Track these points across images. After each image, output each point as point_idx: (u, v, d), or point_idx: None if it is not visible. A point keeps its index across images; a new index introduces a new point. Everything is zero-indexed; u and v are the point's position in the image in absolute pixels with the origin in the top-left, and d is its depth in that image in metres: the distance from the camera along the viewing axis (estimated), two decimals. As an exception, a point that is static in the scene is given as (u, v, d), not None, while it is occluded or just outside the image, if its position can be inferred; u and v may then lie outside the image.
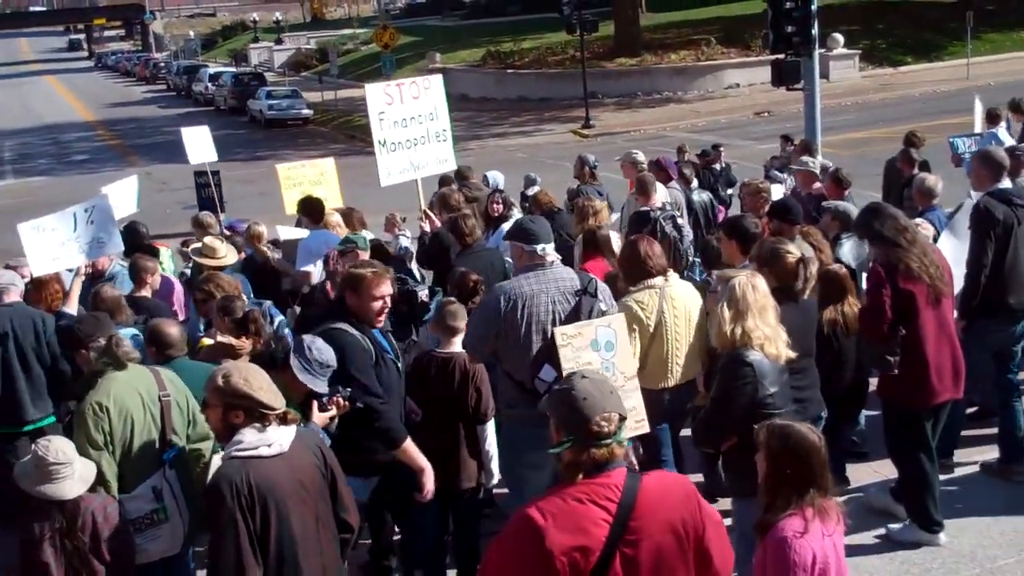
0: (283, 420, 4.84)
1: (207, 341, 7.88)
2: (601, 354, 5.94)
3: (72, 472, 5.33)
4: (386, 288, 6.26)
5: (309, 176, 14.32)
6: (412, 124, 12.04)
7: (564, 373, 5.77)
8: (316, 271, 10.14)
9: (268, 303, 8.75)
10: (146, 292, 9.00)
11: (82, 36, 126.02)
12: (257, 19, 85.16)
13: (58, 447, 5.37)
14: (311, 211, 11.08)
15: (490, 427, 7.04)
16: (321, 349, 5.88)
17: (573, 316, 6.35)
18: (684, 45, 44.16)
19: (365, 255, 9.28)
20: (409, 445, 6.22)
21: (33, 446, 5.52)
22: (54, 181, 33.71)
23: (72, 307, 8.59)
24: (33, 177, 36.18)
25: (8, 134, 49.93)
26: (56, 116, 56.65)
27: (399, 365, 6.50)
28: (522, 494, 6.43)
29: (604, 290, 6.72)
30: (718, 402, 5.87)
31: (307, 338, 5.96)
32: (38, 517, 5.33)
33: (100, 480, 5.63)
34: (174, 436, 6.03)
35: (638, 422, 5.89)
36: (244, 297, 8.18)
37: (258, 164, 32.72)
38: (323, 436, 5.73)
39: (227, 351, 7.23)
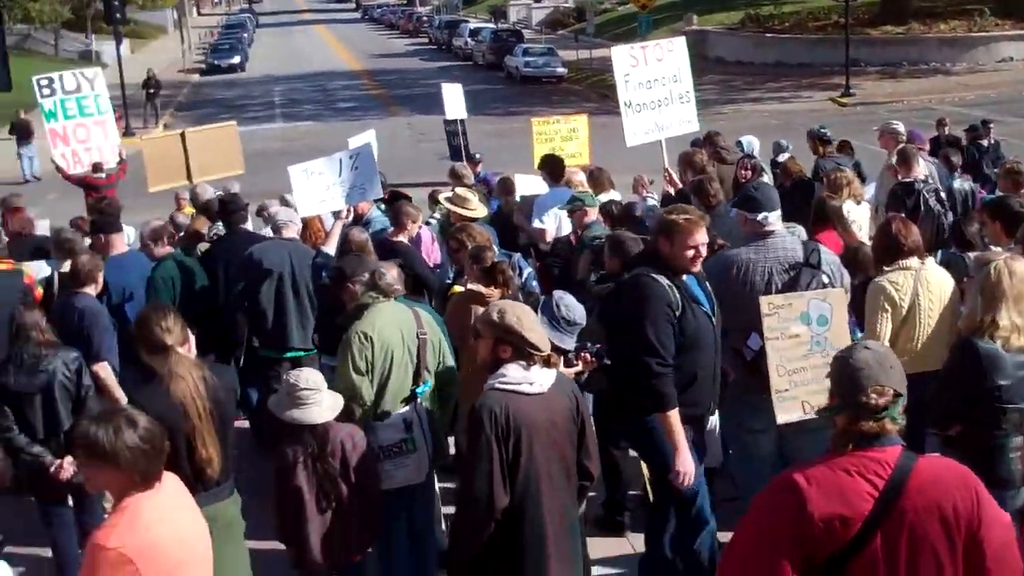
0: (546, 363, 5.11)
1: (458, 288, 8.19)
2: (812, 328, 5.91)
3: (320, 399, 5.74)
4: (701, 236, 6.05)
5: (561, 132, 14.48)
6: (656, 86, 12.32)
7: (766, 343, 5.93)
8: (551, 227, 10.32)
9: (518, 255, 8.98)
10: (403, 237, 9.39)
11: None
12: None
13: (308, 375, 5.82)
14: (551, 168, 11.25)
15: None
16: (570, 307, 6.04)
17: (790, 287, 6.27)
18: (955, 15, 41.90)
19: (593, 213, 9.42)
20: (672, 416, 6.02)
21: (285, 375, 5.92)
22: (320, 127, 35.28)
23: (331, 247, 9.04)
24: (301, 122, 37.97)
25: (280, 80, 52.53)
26: (324, 64, 59.11)
27: (712, 317, 6.18)
28: (749, 460, 6.51)
29: (831, 262, 6.60)
30: (943, 385, 5.78)
31: (557, 295, 6.12)
32: (291, 442, 5.74)
33: (358, 403, 6.03)
34: (426, 372, 6.37)
35: None
36: (494, 248, 8.45)
37: (512, 119, 33.26)
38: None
39: (477, 299, 7.48)
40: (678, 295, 5.97)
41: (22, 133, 29.34)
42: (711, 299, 6.22)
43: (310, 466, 5.68)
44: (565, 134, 14.27)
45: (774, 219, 6.55)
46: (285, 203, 10.97)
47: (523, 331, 5.03)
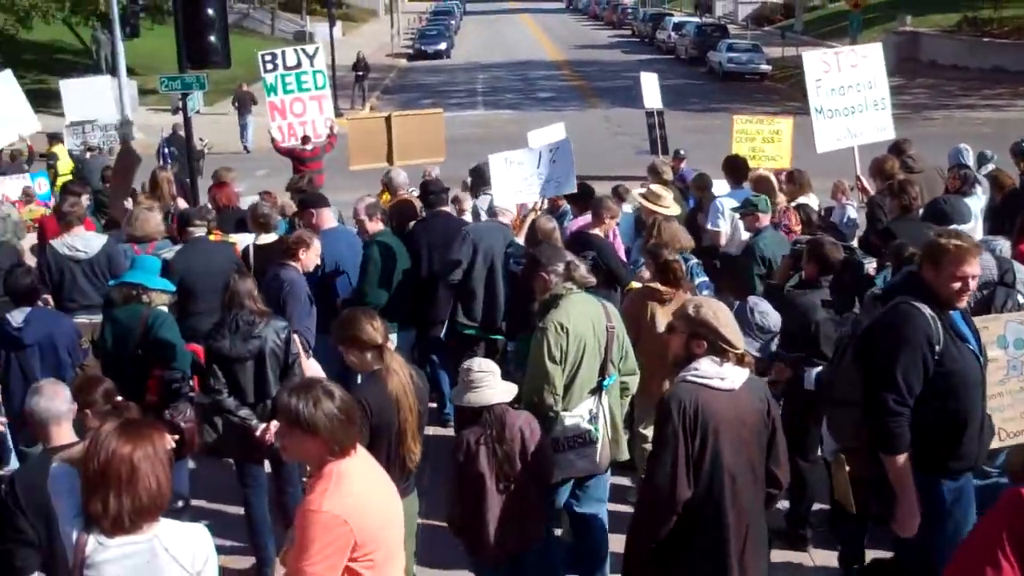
0: (739, 361, 5.10)
1: (635, 284, 8.22)
2: (1009, 351, 5.64)
3: (494, 382, 5.84)
4: (971, 267, 5.31)
5: (763, 132, 14.27)
6: (849, 92, 12.27)
7: None
8: (725, 230, 10.30)
9: (694, 261, 8.91)
10: (599, 231, 9.42)
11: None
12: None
13: (481, 360, 6.02)
14: (734, 169, 11.12)
15: None
16: (765, 313, 5.95)
17: (983, 307, 6.01)
18: None
19: (765, 219, 9.30)
20: (899, 460, 5.32)
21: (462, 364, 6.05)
22: (519, 116, 35.64)
23: (520, 237, 9.16)
24: (501, 110, 38.45)
25: (483, 67, 53.33)
26: (526, 54, 59.72)
27: (980, 357, 5.53)
28: None
29: None
30: None
31: (752, 300, 6.04)
32: (470, 427, 5.83)
33: (551, 391, 6.12)
34: (611, 365, 6.42)
35: None
36: (680, 244, 8.44)
37: (711, 116, 32.91)
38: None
39: (652, 294, 7.65)
40: (940, 328, 5.30)
41: (244, 105, 31.29)
42: (978, 337, 5.60)
43: (490, 449, 5.77)
44: (767, 135, 14.08)
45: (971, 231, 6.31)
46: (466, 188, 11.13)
47: (719, 326, 5.04)
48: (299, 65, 16.37)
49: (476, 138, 28.08)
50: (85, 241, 9.71)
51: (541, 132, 13.66)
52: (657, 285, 7.73)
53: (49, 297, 8.38)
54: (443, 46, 60.29)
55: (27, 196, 13.31)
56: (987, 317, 5.77)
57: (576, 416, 6.31)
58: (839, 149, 12.40)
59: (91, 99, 16.06)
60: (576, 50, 61.06)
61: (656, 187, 10.22)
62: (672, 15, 66.65)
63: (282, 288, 8.07)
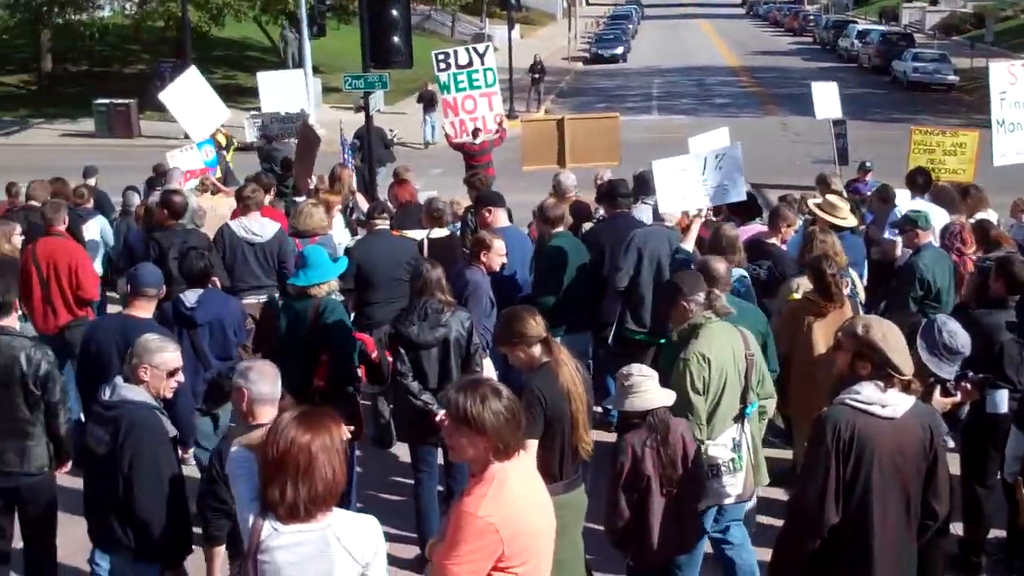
0: (906, 387, 4.90)
1: (795, 296, 8.21)
2: None
3: (654, 387, 5.87)
4: None
5: (944, 144, 13.78)
6: None
7: None
8: (899, 242, 10.04)
9: (854, 272, 8.75)
10: (776, 240, 9.29)
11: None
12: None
13: (639, 366, 6.01)
14: (912, 181, 10.85)
15: None
16: (954, 332, 5.75)
17: None
18: None
19: (925, 236, 9.09)
20: None
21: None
22: (694, 121, 35.34)
23: (689, 243, 9.09)
24: (676, 115, 38.18)
25: (659, 72, 53.08)
26: (703, 59, 59.11)
27: None
28: None
29: None
30: None
31: (940, 319, 5.84)
32: (634, 433, 5.82)
33: (696, 421, 6.13)
34: (752, 393, 6.44)
35: None
36: (839, 257, 8.32)
37: (893, 126, 31.96)
38: (939, 421, 5.66)
39: (811, 308, 7.70)
40: None
41: (428, 102, 32.32)
42: None
43: (655, 452, 5.76)
44: (948, 148, 13.57)
45: None
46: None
47: (887, 349, 4.87)
48: (471, 63, 16.98)
49: (648, 142, 27.95)
50: (260, 226, 10.23)
51: (703, 137, 13.52)
52: (817, 298, 7.68)
53: (218, 280, 8.78)
54: (620, 50, 60.23)
55: (203, 184, 13.97)
56: None
57: (720, 445, 6.30)
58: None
59: (286, 92, 16.78)
60: (755, 56, 60.19)
61: (833, 198, 10.00)
62: (856, 22, 65.02)
63: (465, 287, 8.32)
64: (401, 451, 8.77)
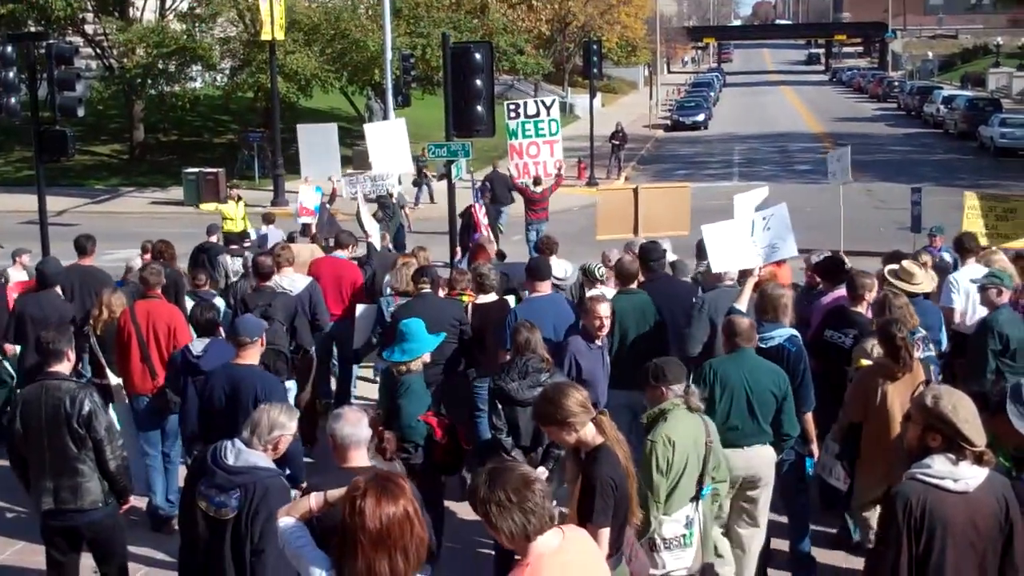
0: (979, 459, 4.76)
1: (865, 362, 8.26)
2: None
3: (691, 551, 6.55)
4: None
5: (996, 209, 13.58)
6: None
7: None
8: (960, 306, 10.32)
9: (920, 334, 8.67)
10: (860, 308, 9.19)
11: (821, 51, 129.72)
12: (1001, 43, 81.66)
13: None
14: (960, 245, 11.23)
15: None
16: None
17: None
18: None
19: (1007, 296, 9.18)
20: None
21: None
22: (775, 188, 35.04)
23: (742, 304, 9.11)
24: (757, 181, 38.01)
25: (741, 139, 53.00)
26: (786, 125, 58.97)
27: None
28: None
29: None
30: None
31: None
32: None
33: (655, 498, 6.44)
34: (708, 477, 6.69)
35: None
36: (913, 320, 8.45)
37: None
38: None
39: (883, 372, 7.75)
40: None
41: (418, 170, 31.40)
42: None
43: None
44: (1000, 212, 13.34)
45: None
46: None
47: (957, 421, 4.75)
48: (538, 114, 18.70)
49: (729, 208, 27.86)
50: (291, 281, 11.21)
51: (746, 196, 13.64)
52: (888, 362, 7.70)
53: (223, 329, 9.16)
54: (701, 117, 60.35)
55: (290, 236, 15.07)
56: None
57: (675, 521, 6.54)
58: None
59: (391, 143, 17.01)
60: (838, 123, 59.85)
61: (908, 264, 9.97)
62: (941, 88, 64.40)
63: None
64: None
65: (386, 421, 7.51)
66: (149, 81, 38.06)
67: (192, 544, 5.90)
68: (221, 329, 9.09)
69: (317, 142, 16.88)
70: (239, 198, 23.29)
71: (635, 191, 15.09)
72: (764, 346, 8.01)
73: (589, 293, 9.93)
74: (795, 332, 8.32)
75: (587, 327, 8.68)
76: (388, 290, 11.45)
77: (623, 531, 5.75)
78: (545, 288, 9.91)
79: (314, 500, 4.77)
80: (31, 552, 8.80)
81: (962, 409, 4.80)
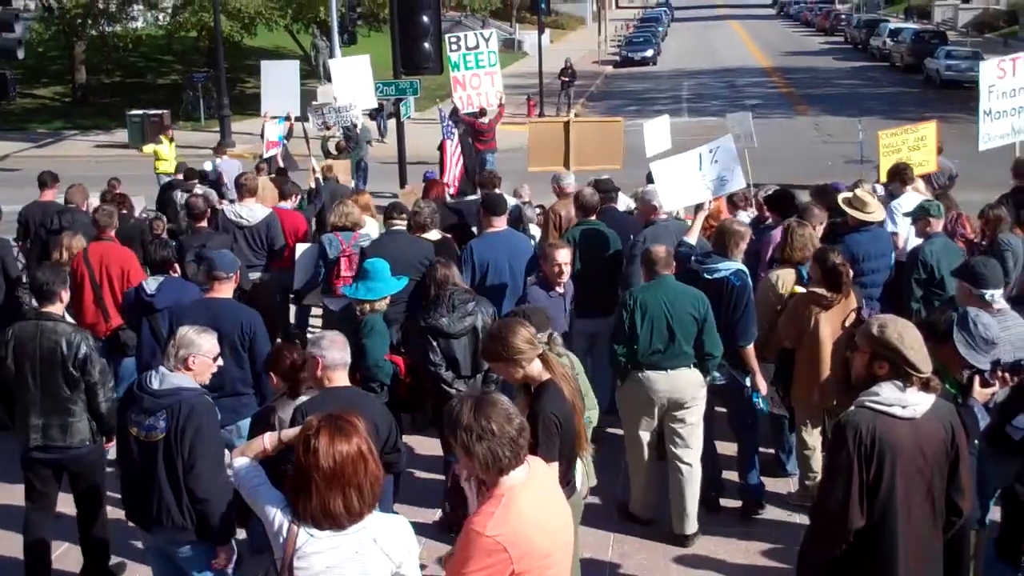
0: (925, 385, 4.84)
1: (799, 289, 8.40)
2: None
3: None
4: None
5: (908, 141, 13.71)
6: (1020, 93, 13.17)
7: None
8: (903, 234, 10.56)
9: None
10: None
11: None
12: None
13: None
14: (898, 175, 11.52)
15: None
16: (988, 324, 5.76)
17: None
18: None
19: (937, 225, 9.43)
20: None
21: None
22: (723, 123, 35.22)
23: (692, 237, 9.40)
24: (706, 117, 38.07)
25: (689, 74, 52.94)
26: (734, 60, 58.92)
27: None
28: None
29: None
30: None
31: (972, 312, 5.86)
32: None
33: None
34: (583, 408, 6.70)
35: None
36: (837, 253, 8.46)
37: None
38: (980, 411, 5.69)
39: (816, 299, 7.88)
40: None
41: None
42: None
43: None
44: (912, 144, 13.53)
45: (999, 296, 6.77)
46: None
47: (903, 348, 4.81)
48: (477, 46, 19.10)
49: (679, 145, 27.87)
50: (250, 211, 11.38)
51: (650, 125, 14.20)
52: (822, 291, 7.86)
53: (179, 266, 9.26)
54: (650, 53, 60.08)
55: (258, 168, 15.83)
56: None
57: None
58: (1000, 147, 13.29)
59: (355, 79, 17.92)
60: (786, 56, 59.93)
61: (861, 193, 10.01)
62: (888, 21, 64.60)
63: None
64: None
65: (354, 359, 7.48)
66: (89, 21, 37.30)
67: (130, 471, 6.08)
68: (177, 267, 9.13)
69: (278, 78, 17.68)
70: (172, 138, 23.98)
71: (566, 124, 15.00)
72: (708, 277, 8.13)
73: (548, 240, 9.91)
74: (742, 267, 8.36)
75: (547, 274, 8.68)
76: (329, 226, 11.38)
77: (572, 465, 5.81)
78: (500, 224, 9.91)
79: (268, 439, 4.79)
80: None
81: (907, 336, 4.85)
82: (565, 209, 11.35)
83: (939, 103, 38.81)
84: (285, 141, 18.16)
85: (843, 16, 76.81)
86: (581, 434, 5.82)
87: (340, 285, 9.95)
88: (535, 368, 5.67)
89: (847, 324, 7.76)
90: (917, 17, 72.40)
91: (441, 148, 18.85)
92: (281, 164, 15.97)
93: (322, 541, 4.08)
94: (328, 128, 18.49)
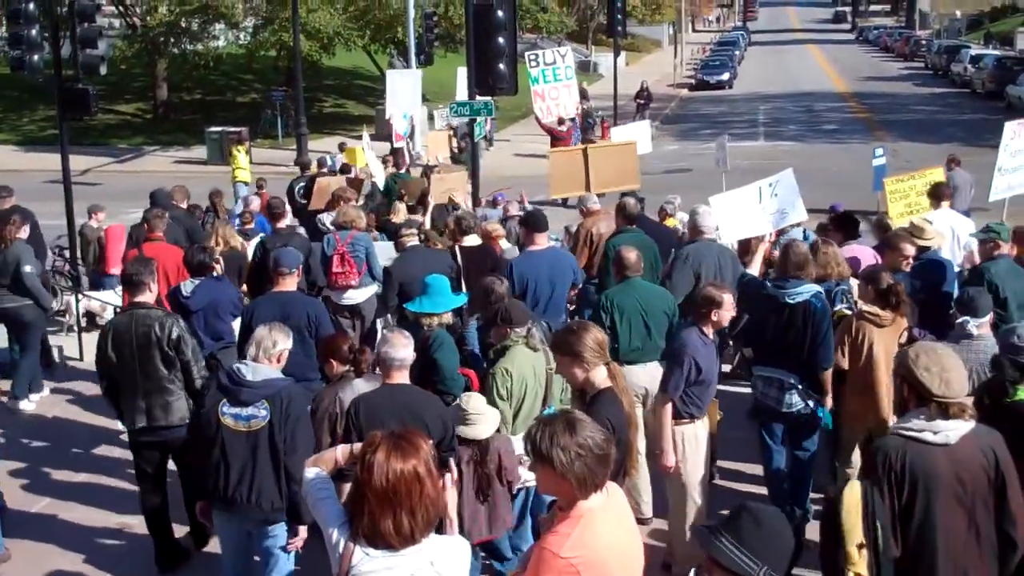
0: (944, 411, 4.77)
1: (845, 312, 8.58)
2: None
3: (483, 420, 6.81)
4: None
5: (917, 187, 13.37)
6: (1019, 155, 14.55)
7: None
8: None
9: (846, 286, 9.11)
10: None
11: (848, 8, 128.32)
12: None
13: (475, 402, 6.92)
14: (936, 194, 11.73)
15: None
16: None
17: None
18: None
19: (1005, 248, 9.49)
20: None
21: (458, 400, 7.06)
22: (801, 147, 34.88)
23: (754, 269, 9.43)
24: (782, 141, 37.75)
25: (766, 98, 52.54)
26: (812, 85, 58.36)
27: None
28: None
29: None
30: None
31: (1021, 328, 5.75)
32: (461, 446, 6.76)
33: (504, 422, 7.15)
34: (552, 398, 7.46)
35: None
36: (841, 268, 9.03)
37: (1008, 153, 31.13)
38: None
39: (868, 319, 7.97)
40: None
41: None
42: None
43: (471, 468, 6.76)
44: (920, 188, 13.18)
45: (982, 325, 7.05)
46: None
47: (916, 371, 4.78)
48: (555, 62, 21.56)
49: (750, 168, 27.63)
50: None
51: (622, 129, 14.77)
52: (875, 310, 7.92)
53: (219, 267, 10.04)
54: (726, 76, 59.84)
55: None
56: None
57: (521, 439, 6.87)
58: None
59: (407, 91, 20.64)
60: (864, 82, 59.21)
61: (918, 220, 10.18)
62: (970, 47, 63.54)
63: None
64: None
65: (420, 374, 7.51)
66: (172, 39, 38.00)
67: (220, 460, 6.43)
68: (217, 268, 9.86)
69: (403, 84, 20.59)
70: (248, 150, 26.60)
71: (584, 151, 15.32)
72: (792, 302, 7.97)
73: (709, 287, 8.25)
74: (820, 289, 8.26)
75: (706, 319, 7.56)
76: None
77: (618, 477, 5.71)
78: (542, 241, 9.99)
79: (340, 451, 4.75)
80: (57, 508, 9.30)
81: (925, 358, 4.81)
82: (595, 227, 11.77)
83: (1022, 131, 38.09)
84: (409, 138, 20.86)
85: (923, 42, 75.80)
86: (633, 448, 5.76)
87: (335, 280, 11.07)
88: (598, 375, 5.68)
89: (902, 342, 7.71)
90: (999, 44, 71.14)
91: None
92: (408, 157, 18.20)
93: (377, 560, 4.01)
94: (452, 128, 20.14)
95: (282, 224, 12.34)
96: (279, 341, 6.57)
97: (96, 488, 9.63)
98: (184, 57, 39.58)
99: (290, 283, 8.79)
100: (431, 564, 4.04)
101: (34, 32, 16.56)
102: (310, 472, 4.56)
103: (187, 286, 9.34)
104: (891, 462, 4.69)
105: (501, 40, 13.90)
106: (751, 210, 10.07)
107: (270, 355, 6.50)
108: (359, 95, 46.23)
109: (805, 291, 8.04)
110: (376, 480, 3.94)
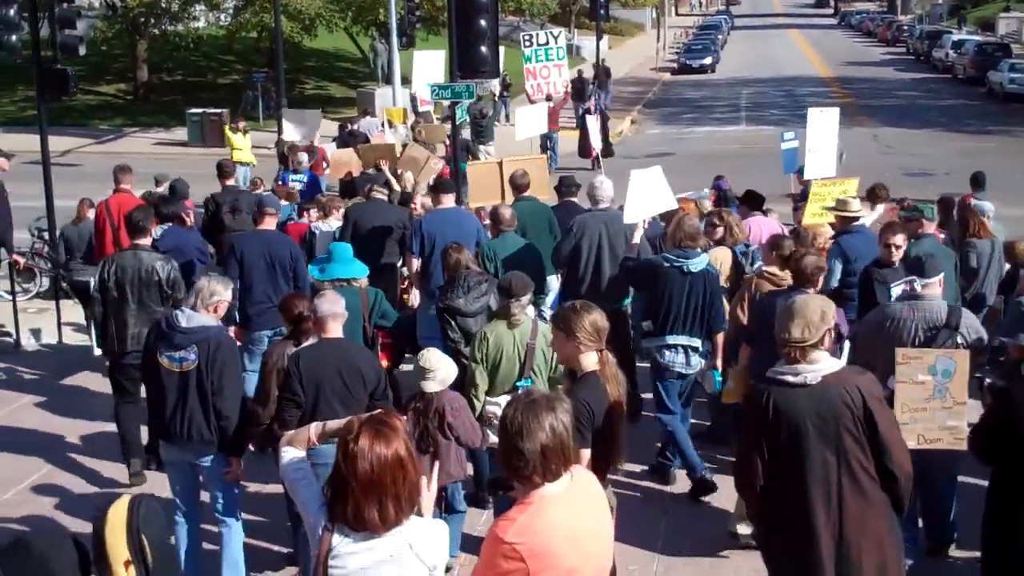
0: (787, 356, 5.22)
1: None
2: (936, 379, 6.69)
3: (435, 376, 7.16)
4: None
5: (835, 193, 13.27)
6: None
7: (896, 385, 6.71)
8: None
9: (754, 247, 10.29)
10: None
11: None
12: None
13: (428, 356, 7.29)
14: (873, 194, 12.66)
15: None
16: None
17: (927, 344, 7.08)
18: None
19: (930, 227, 10.25)
20: None
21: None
22: (782, 132, 34.86)
23: (636, 237, 10.01)
24: (764, 126, 37.78)
25: (748, 83, 52.59)
26: (794, 69, 58.37)
27: None
28: None
29: (970, 326, 7.33)
30: None
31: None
32: (411, 399, 7.33)
33: (471, 383, 7.67)
34: (531, 372, 7.67)
35: (957, 439, 6.69)
36: (740, 236, 10.24)
37: (985, 138, 31.37)
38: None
39: (772, 280, 8.57)
40: None
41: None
42: None
43: (414, 418, 7.16)
44: (836, 194, 13.13)
45: (929, 285, 7.36)
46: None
47: (778, 328, 5.27)
48: (547, 43, 23.19)
49: (731, 153, 27.72)
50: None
51: (524, 110, 17.83)
52: (774, 270, 8.61)
53: (189, 219, 11.80)
54: (708, 60, 59.82)
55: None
56: (924, 350, 6.93)
57: (496, 404, 7.54)
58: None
59: (432, 69, 21.43)
60: (846, 67, 59.26)
61: (843, 196, 10.98)
62: (951, 33, 63.67)
63: None
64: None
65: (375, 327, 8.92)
66: (152, 20, 37.75)
67: (160, 397, 7.24)
68: (187, 219, 11.57)
69: (429, 62, 21.70)
70: (246, 131, 26.50)
71: (500, 163, 15.41)
72: (694, 270, 8.74)
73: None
74: (709, 258, 9.14)
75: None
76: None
77: (607, 466, 5.71)
78: (448, 201, 11.13)
79: (313, 430, 4.73)
80: (55, 474, 9.61)
81: (783, 310, 5.36)
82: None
83: (1001, 116, 38.30)
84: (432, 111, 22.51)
85: (905, 27, 75.94)
86: (618, 440, 5.72)
87: None
88: (589, 358, 5.71)
89: None
90: (976, 28, 71.33)
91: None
92: (435, 120, 20.61)
93: (358, 543, 4.01)
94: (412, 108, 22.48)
95: (230, 182, 14.56)
96: (216, 292, 7.24)
97: (51, 488, 9.39)
98: (165, 38, 39.35)
99: (271, 222, 10.47)
100: (410, 546, 4.03)
101: (12, 12, 16.38)
102: (286, 455, 4.53)
103: (157, 231, 10.63)
104: (760, 404, 5.18)
105: (483, 22, 13.81)
106: (663, 188, 10.47)
107: (207, 304, 7.19)
108: (341, 77, 46.04)
109: (701, 260, 8.88)
110: (361, 469, 3.92)
